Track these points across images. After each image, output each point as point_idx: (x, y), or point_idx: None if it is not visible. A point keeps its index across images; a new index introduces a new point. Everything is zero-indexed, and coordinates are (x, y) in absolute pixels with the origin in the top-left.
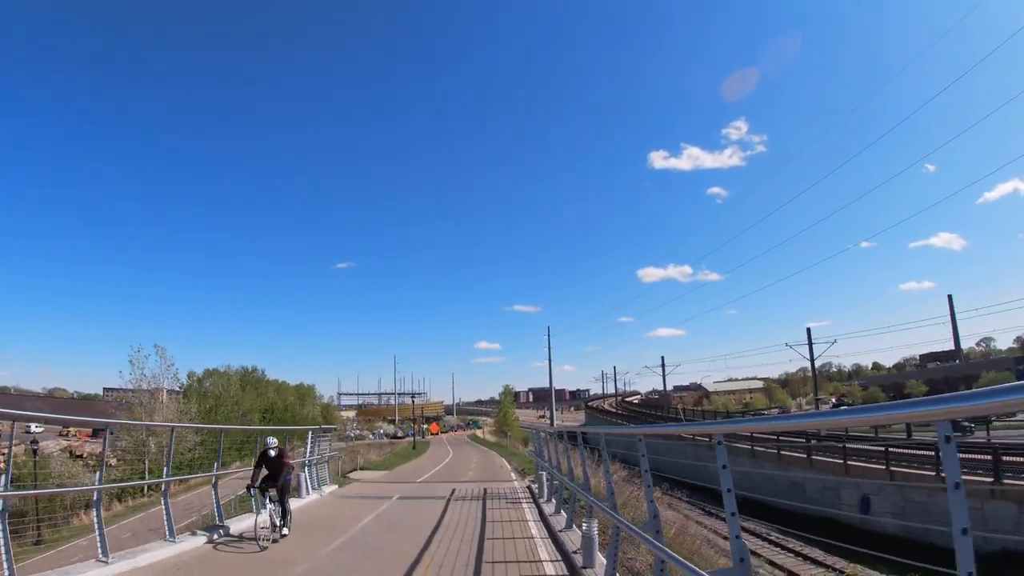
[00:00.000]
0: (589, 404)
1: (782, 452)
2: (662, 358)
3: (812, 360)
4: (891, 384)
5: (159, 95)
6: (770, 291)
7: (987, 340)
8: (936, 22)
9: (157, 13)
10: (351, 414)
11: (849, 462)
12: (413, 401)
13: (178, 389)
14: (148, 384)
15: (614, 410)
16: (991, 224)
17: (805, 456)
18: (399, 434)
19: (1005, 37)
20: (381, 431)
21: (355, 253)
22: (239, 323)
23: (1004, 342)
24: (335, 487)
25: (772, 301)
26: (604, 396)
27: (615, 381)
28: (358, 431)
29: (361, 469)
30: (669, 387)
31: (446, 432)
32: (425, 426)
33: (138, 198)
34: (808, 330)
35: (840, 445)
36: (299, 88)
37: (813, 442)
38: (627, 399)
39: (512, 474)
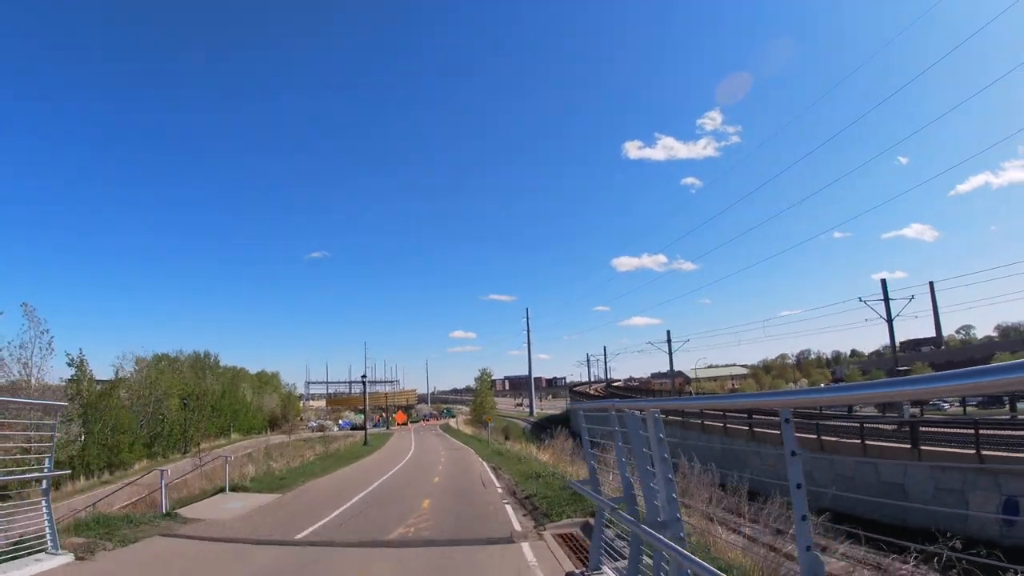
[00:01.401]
0: (574, 389)
1: (868, 441)
2: (667, 332)
3: (889, 318)
4: (890, 369)
5: (138, 78)
6: (743, 281)
7: (967, 328)
8: (908, 10)
9: None
10: (321, 404)
11: (983, 451)
12: (365, 386)
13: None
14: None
15: (601, 395)
16: (963, 216)
17: (909, 446)
18: (368, 425)
19: (976, 28)
20: (348, 421)
21: (329, 242)
22: (204, 312)
23: (983, 330)
24: (57, 562)
25: (745, 290)
26: (590, 382)
27: (605, 363)
28: (319, 422)
29: (233, 490)
30: (646, 374)
31: (417, 421)
32: (392, 415)
33: (113, 186)
34: (883, 282)
35: (970, 431)
36: (281, 83)
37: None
38: (613, 383)
39: (509, 509)
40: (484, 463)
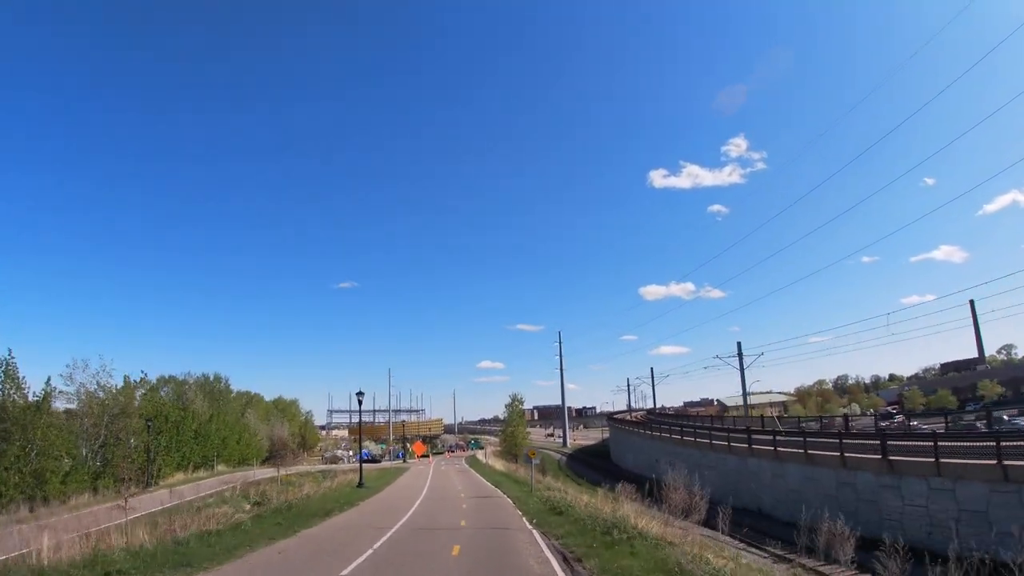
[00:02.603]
0: (613, 416)
1: None
2: (738, 344)
3: None
4: (952, 388)
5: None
6: (771, 307)
7: (1008, 347)
8: (933, 22)
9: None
10: (343, 433)
11: None
12: (361, 412)
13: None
14: None
15: (640, 421)
16: (991, 236)
17: None
18: (386, 458)
19: (1001, 38)
20: (367, 451)
21: (358, 273)
22: (227, 338)
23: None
24: None
25: (773, 316)
26: (630, 409)
27: (653, 386)
28: (333, 452)
29: None
30: (679, 403)
31: (440, 453)
32: (411, 446)
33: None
34: None
35: None
36: (314, 114)
37: None
38: (651, 411)
39: None
40: (538, 536)
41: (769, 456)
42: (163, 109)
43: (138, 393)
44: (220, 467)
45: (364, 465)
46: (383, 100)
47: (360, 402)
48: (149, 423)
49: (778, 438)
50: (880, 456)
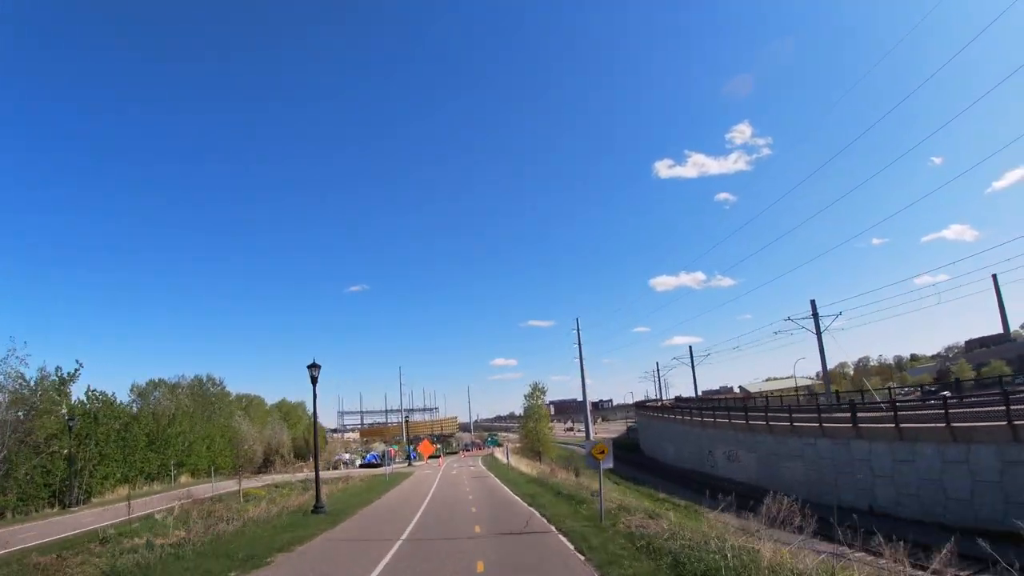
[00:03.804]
0: (645, 404)
1: None
2: (812, 303)
3: None
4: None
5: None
6: (781, 295)
7: None
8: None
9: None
10: (355, 435)
11: None
12: (316, 406)
13: None
14: None
15: (686, 407)
16: (1002, 213)
17: None
18: (388, 459)
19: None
20: (375, 454)
21: (368, 275)
22: (240, 347)
23: None
24: None
25: (783, 304)
26: (659, 398)
27: (692, 366)
28: (338, 457)
29: None
30: (700, 390)
31: (454, 452)
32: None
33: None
34: None
35: None
36: (324, 115)
37: None
38: (679, 399)
39: None
40: None
41: (886, 436)
42: (161, 109)
43: (76, 390)
44: (184, 478)
45: (361, 471)
46: (382, 98)
47: (314, 378)
48: (71, 424)
49: (899, 412)
50: None
